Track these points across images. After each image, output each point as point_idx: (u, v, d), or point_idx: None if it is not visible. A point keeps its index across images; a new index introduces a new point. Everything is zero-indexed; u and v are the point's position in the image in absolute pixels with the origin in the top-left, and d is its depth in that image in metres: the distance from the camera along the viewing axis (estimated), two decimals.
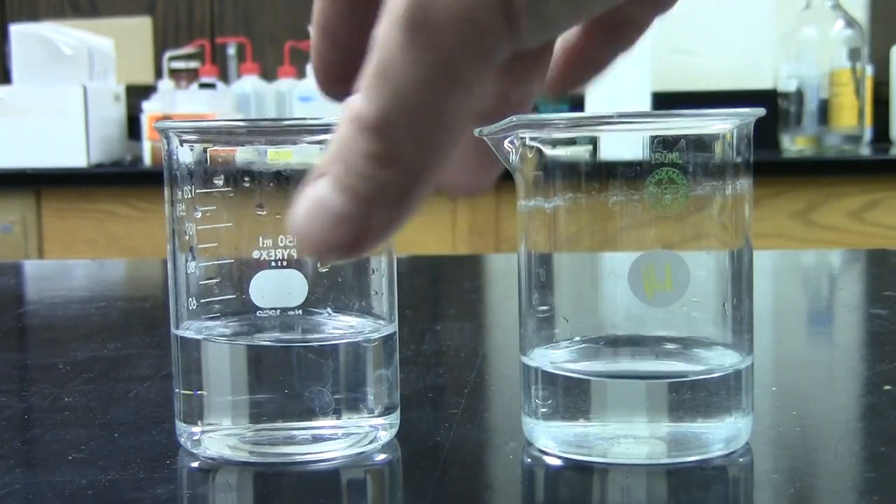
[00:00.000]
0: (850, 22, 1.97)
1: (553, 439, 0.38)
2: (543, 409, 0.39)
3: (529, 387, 0.40)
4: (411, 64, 0.25)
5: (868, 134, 2.08)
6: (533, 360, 0.39)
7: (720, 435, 0.38)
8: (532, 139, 0.38)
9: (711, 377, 0.37)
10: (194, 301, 0.41)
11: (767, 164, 1.88)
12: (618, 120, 0.36)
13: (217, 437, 0.40)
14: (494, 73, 0.26)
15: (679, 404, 0.37)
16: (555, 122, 0.37)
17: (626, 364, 0.38)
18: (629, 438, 0.37)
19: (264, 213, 0.40)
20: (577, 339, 0.39)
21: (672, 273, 0.36)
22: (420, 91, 0.25)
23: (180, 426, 0.41)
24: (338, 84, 0.33)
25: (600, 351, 0.38)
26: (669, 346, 0.38)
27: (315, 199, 0.27)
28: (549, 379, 0.39)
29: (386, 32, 0.25)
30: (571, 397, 0.38)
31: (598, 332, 0.38)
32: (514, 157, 0.38)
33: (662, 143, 0.36)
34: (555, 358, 0.39)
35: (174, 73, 2.21)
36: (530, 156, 0.38)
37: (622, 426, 0.37)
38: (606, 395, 0.37)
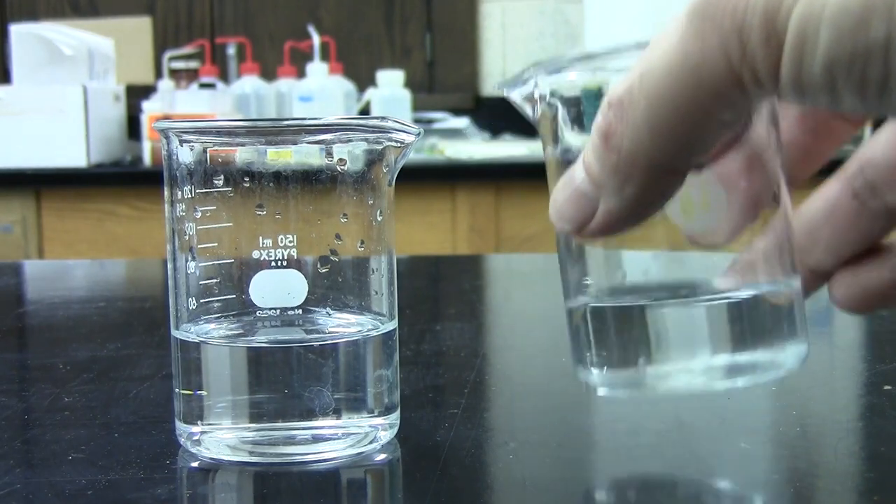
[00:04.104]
0: None
1: (609, 385, 0.37)
2: (598, 351, 0.37)
3: (579, 331, 0.38)
4: (670, 50, 0.25)
5: (868, 134, 2.08)
6: (577, 302, 0.37)
7: (775, 357, 0.36)
8: (550, 90, 0.36)
9: (767, 294, 0.35)
10: (194, 301, 0.41)
11: None
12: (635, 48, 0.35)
13: (217, 437, 0.40)
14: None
15: (740, 327, 0.35)
16: (566, 64, 0.36)
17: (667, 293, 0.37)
18: (686, 369, 0.36)
19: (264, 213, 0.40)
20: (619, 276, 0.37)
21: (705, 195, 0.35)
22: (665, 76, 0.25)
23: (180, 426, 0.41)
24: None
25: (640, 287, 0.37)
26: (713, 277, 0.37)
27: (572, 169, 0.28)
28: (598, 315, 0.37)
29: (676, 18, 0.25)
30: (626, 328, 0.36)
31: (637, 273, 0.37)
32: (534, 110, 0.37)
33: None
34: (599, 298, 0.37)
35: (174, 73, 2.21)
36: (549, 103, 0.37)
37: (680, 354, 0.36)
38: (663, 321, 0.36)
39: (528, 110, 0.35)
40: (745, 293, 0.34)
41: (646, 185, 0.27)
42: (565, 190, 0.29)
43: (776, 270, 0.34)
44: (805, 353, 0.34)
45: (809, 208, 0.33)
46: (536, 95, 0.35)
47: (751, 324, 0.34)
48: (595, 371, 0.36)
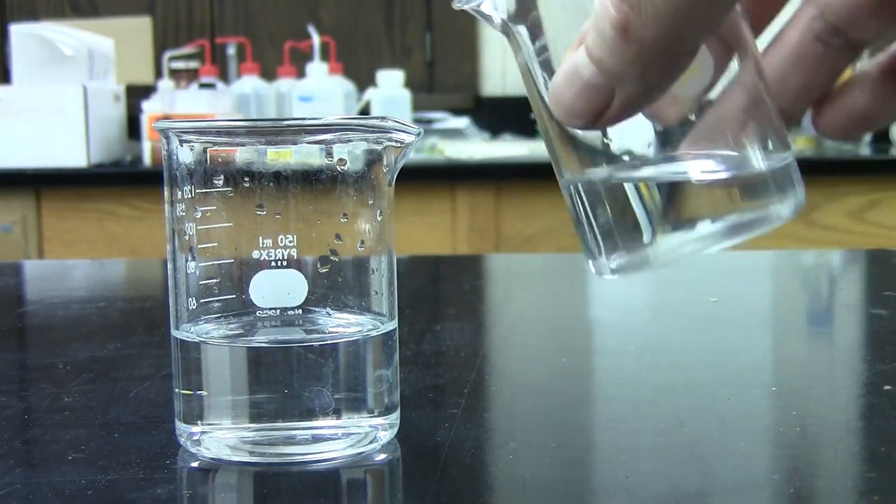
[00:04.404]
0: None
1: (619, 269, 0.36)
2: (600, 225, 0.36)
3: (579, 216, 0.37)
4: None
5: (868, 134, 2.08)
6: (581, 179, 0.37)
7: (773, 210, 0.36)
8: None
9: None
10: (194, 301, 0.41)
11: None
12: None
13: (217, 437, 0.40)
14: None
15: (734, 186, 0.35)
16: None
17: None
18: (690, 237, 0.35)
19: (264, 213, 0.40)
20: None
21: (697, 61, 0.35)
22: None
23: (180, 426, 0.41)
24: None
25: (636, 160, 0.36)
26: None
27: (572, 65, 0.28)
28: (594, 193, 0.36)
29: None
30: (623, 206, 0.36)
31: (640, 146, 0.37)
32: (496, 19, 0.37)
33: None
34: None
35: (174, 73, 2.21)
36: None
37: (682, 223, 0.35)
38: (657, 193, 0.35)
39: (491, 18, 0.35)
40: (734, 152, 0.34)
41: (668, 68, 0.28)
42: (572, 87, 0.29)
43: (761, 124, 0.34)
44: (801, 202, 0.35)
45: (774, 59, 0.34)
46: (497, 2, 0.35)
47: (745, 182, 0.34)
48: (601, 257, 0.35)
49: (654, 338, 0.64)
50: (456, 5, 0.34)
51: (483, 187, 1.82)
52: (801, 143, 1.98)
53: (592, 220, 0.36)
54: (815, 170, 1.88)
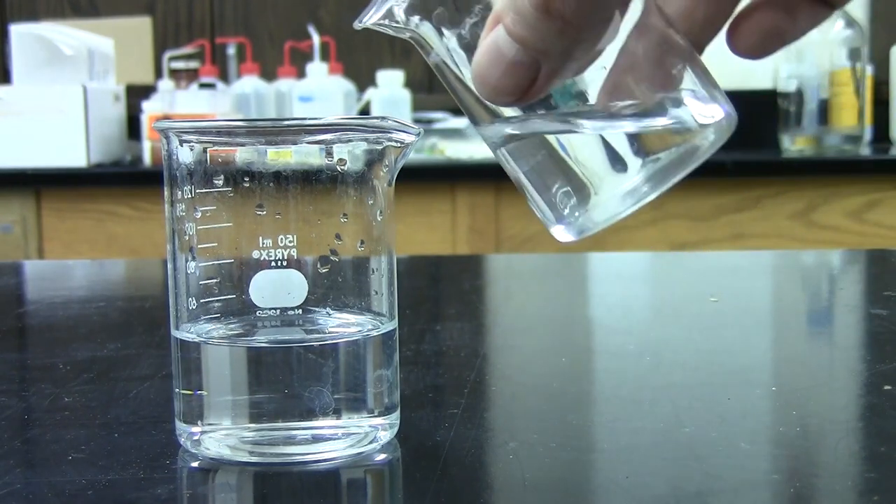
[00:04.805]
0: (850, 22, 1.97)
1: (572, 232, 0.37)
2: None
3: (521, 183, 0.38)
4: None
5: (868, 134, 2.08)
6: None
7: (702, 139, 0.36)
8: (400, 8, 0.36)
9: None
10: (194, 301, 0.41)
11: (767, 164, 1.88)
12: None
13: (217, 437, 0.40)
14: None
15: (654, 132, 0.36)
16: None
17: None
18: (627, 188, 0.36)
19: (264, 213, 0.40)
20: None
21: None
22: None
23: (180, 426, 0.41)
24: None
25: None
26: None
27: (493, 46, 0.30)
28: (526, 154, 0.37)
29: None
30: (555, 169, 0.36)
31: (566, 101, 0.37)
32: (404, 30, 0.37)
33: None
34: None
35: (174, 73, 2.21)
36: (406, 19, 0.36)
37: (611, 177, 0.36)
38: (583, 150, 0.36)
39: (395, 30, 0.36)
40: (651, 94, 0.35)
41: (590, 36, 0.30)
42: (497, 66, 0.30)
43: (674, 60, 0.35)
44: (728, 121, 0.35)
45: None
46: (396, 11, 0.35)
47: (668, 121, 0.35)
48: (553, 221, 0.36)
49: (654, 338, 0.64)
50: (357, 25, 0.35)
51: (483, 187, 1.82)
52: (802, 142, 1.99)
53: (533, 186, 0.37)
54: (815, 170, 1.89)
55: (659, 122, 0.34)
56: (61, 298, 0.82)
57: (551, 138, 0.35)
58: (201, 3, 2.45)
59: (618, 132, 0.35)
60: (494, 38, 0.30)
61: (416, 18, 0.35)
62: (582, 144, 0.35)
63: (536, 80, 0.30)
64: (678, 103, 0.35)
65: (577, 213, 0.36)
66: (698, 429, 0.43)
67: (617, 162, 0.35)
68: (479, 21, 0.34)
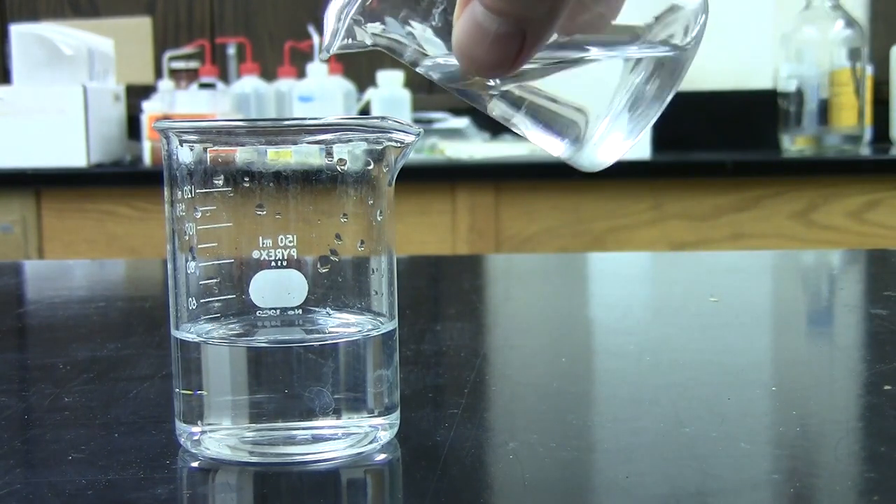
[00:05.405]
0: (850, 22, 1.97)
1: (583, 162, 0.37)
2: None
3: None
4: None
5: (868, 134, 2.08)
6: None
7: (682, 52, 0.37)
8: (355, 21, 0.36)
9: None
10: (194, 301, 0.41)
11: (767, 164, 1.89)
12: None
13: (217, 437, 0.40)
14: None
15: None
16: None
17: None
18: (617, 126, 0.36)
19: (264, 213, 0.40)
20: None
21: None
22: None
23: (180, 426, 0.41)
24: None
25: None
26: None
27: (473, 23, 0.30)
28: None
29: None
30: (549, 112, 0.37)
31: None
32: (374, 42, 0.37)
33: None
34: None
35: (174, 73, 2.21)
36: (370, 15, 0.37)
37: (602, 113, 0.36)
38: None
39: (362, 46, 0.36)
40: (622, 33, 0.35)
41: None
42: (481, 43, 0.30)
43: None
44: (701, 15, 0.36)
45: None
46: (357, 29, 0.35)
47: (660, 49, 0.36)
48: (569, 150, 0.37)
49: (654, 338, 0.64)
50: (323, 57, 0.35)
51: (483, 187, 1.82)
52: (802, 142, 1.99)
53: (540, 121, 0.37)
54: (815, 170, 1.89)
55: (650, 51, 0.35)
56: (61, 298, 0.82)
57: (548, 79, 0.36)
58: (201, 3, 2.45)
59: (616, 56, 0.35)
60: (472, 15, 0.30)
61: (377, 26, 0.35)
62: (573, 75, 0.36)
63: (523, 48, 0.30)
64: (658, 27, 0.36)
65: (579, 140, 0.36)
66: (698, 429, 0.43)
67: (604, 94, 0.36)
68: (447, 7, 0.34)
